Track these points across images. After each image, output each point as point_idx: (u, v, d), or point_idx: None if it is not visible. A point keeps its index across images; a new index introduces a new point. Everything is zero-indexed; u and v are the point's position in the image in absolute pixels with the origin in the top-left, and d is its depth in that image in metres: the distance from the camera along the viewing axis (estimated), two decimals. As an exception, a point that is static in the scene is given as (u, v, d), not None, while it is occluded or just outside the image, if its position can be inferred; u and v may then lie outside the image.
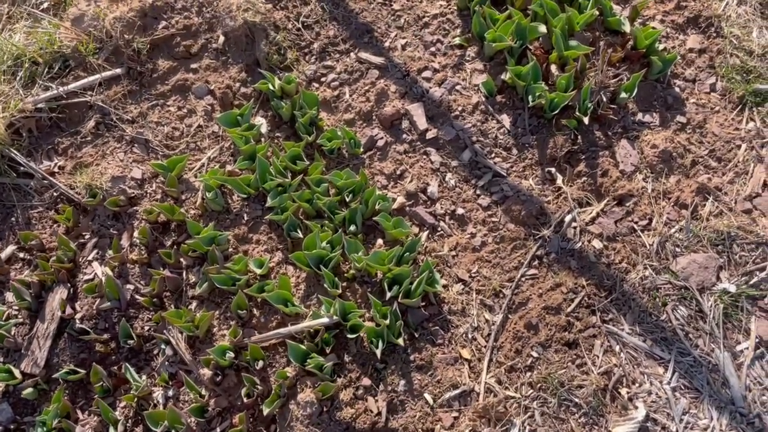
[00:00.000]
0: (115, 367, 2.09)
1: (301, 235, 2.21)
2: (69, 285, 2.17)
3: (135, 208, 2.35)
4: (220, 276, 2.11)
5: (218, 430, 1.96)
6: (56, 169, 2.40)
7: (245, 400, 1.93)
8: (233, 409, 1.99)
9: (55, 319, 2.07)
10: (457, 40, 2.63)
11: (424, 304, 2.13)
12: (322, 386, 1.90)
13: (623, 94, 2.37)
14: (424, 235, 2.27)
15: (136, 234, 2.23)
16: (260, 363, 1.99)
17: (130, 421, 2.00)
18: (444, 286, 2.16)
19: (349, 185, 2.29)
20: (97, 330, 2.12)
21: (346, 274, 2.18)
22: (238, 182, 2.28)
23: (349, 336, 2.02)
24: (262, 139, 2.49)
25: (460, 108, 2.49)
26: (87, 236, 2.31)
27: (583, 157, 2.35)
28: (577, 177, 2.31)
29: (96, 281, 2.15)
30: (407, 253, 2.14)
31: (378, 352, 1.95)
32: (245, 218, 2.33)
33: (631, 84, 2.34)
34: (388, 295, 2.05)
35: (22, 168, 2.38)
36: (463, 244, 2.25)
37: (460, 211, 2.32)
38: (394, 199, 2.34)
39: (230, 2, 2.67)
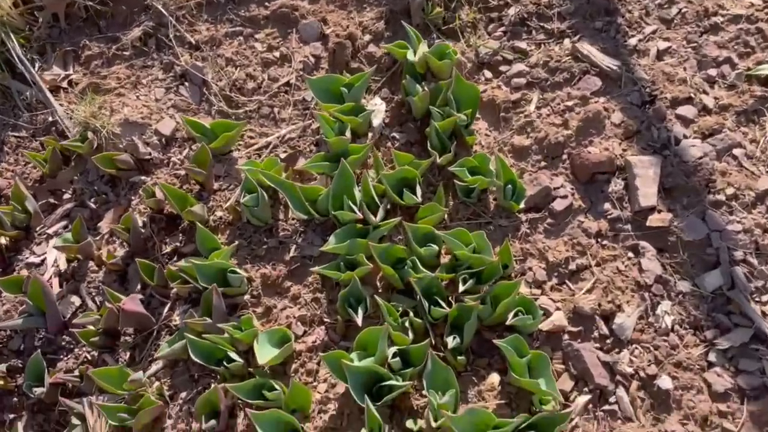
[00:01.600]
0: (8, 416, 1.63)
1: (359, 320, 1.56)
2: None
3: (144, 178, 1.88)
4: (202, 343, 1.54)
5: None
6: (65, 84, 2.02)
7: None
8: None
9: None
10: (764, 70, 1.79)
11: None
12: None
13: None
14: (581, 402, 1.49)
15: (118, 225, 1.75)
16: None
17: None
18: None
19: (476, 262, 1.58)
20: (4, 351, 1.68)
21: (417, 416, 1.49)
22: (298, 192, 1.69)
23: None
24: (369, 134, 1.88)
25: (730, 191, 1.65)
26: (65, 197, 1.89)
27: None
28: None
29: (30, 275, 1.70)
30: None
31: None
32: (291, 252, 1.74)
33: None
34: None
35: (19, 69, 2.03)
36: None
37: (666, 382, 1.50)
38: (546, 314, 1.59)
39: None
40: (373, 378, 1.48)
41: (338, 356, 1.48)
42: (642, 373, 1.54)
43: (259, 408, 1.47)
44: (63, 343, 1.67)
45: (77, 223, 1.71)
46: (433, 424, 1.40)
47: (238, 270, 1.62)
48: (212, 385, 1.47)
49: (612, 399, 1.54)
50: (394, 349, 1.51)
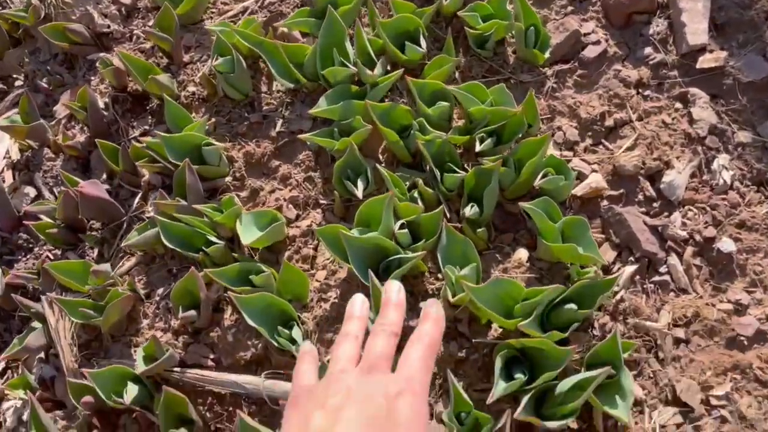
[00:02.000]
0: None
1: (359, 192, 1.32)
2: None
3: (103, 55, 1.61)
4: (176, 226, 1.30)
5: None
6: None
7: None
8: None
9: None
10: None
11: None
12: None
13: None
14: (627, 272, 1.26)
15: (74, 102, 1.49)
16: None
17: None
18: None
19: (495, 117, 1.33)
20: (-48, 250, 1.47)
21: (430, 297, 1.26)
22: (281, 54, 1.42)
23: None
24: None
25: (798, 20, 1.38)
26: (16, 83, 1.64)
27: None
28: None
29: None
30: (582, 307, 1.15)
31: None
32: (277, 127, 1.49)
33: None
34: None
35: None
36: (713, 324, 1.21)
37: (727, 245, 1.26)
38: (581, 177, 1.35)
39: None
40: (379, 253, 1.24)
41: (335, 230, 1.25)
42: (698, 237, 1.30)
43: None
44: (20, 242, 1.44)
45: (24, 100, 1.46)
46: (451, 300, 1.17)
47: (214, 142, 1.38)
48: (186, 274, 1.24)
49: (663, 269, 1.30)
50: (397, 225, 1.28)
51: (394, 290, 0.91)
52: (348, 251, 1.20)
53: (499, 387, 1.10)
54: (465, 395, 1.09)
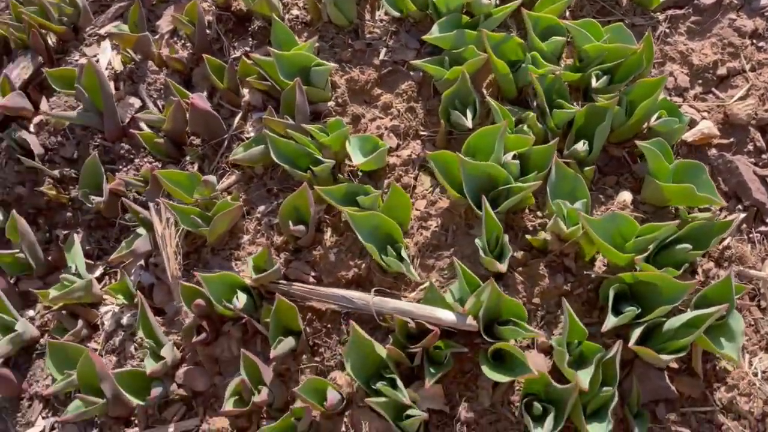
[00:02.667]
0: (61, 232, 1.45)
1: (468, 122, 1.32)
2: (45, 60, 1.53)
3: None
4: (285, 143, 1.31)
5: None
6: None
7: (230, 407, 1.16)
8: (200, 397, 1.26)
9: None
10: None
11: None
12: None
13: None
14: (740, 218, 1.25)
15: (182, 15, 1.49)
16: (285, 343, 1.18)
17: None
18: None
19: (612, 54, 1.31)
20: (56, 159, 1.48)
21: (529, 236, 1.26)
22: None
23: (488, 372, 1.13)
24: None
25: None
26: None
27: None
28: None
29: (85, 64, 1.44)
30: (696, 248, 1.15)
31: None
32: (381, 56, 1.49)
33: None
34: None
35: None
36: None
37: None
38: (690, 123, 1.33)
39: None
40: (489, 183, 1.24)
41: (446, 156, 1.25)
42: (809, 190, 1.29)
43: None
44: (122, 152, 1.46)
45: (134, 10, 1.46)
46: (565, 230, 1.17)
47: (325, 63, 1.37)
48: (298, 189, 1.25)
49: (770, 218, 1.30)
50: (510, 155, 1.27)
51: None
52: (463, 176, 1.21)
53: (612, 318, 1.11)
54: (581, 323, 1.10)
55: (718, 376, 1.19)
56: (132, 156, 1.47)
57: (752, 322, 1.24)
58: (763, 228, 1.29)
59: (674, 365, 1.20)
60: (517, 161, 1.26)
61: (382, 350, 1.15)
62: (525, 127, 1.32)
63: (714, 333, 1.14)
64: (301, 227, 1.25)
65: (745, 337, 1.22)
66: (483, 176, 1.24)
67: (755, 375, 1.18)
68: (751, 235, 1.29)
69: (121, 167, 1.46)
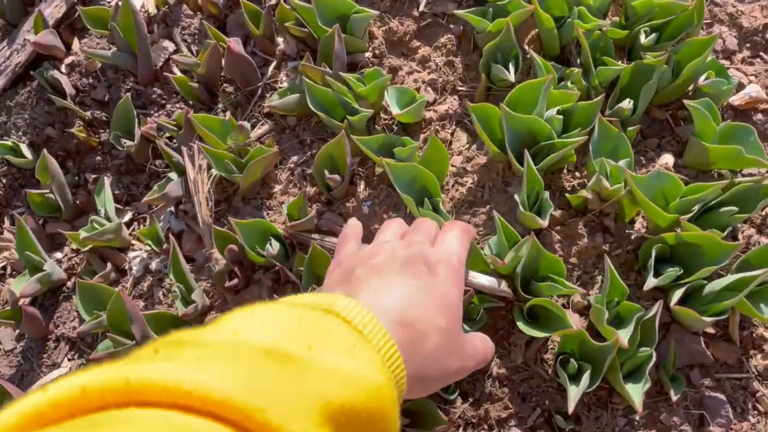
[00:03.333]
0: (90, 176, 1.43)
1: (511, 76, 1.29)
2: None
3: None
4: (322, 91, 1.28)
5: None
6: None
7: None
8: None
9: (26, 51, 1.42)
10: None
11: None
12: None
13: None
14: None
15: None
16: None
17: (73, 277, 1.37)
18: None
19: (663, 12, 1.27)
20: (87, 101, 1.46)
21: (569, 194, 1.24)
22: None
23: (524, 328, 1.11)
24: None
25: None
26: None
27: None
28: None
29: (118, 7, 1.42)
30: (741, 212, 1.12)
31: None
32: (420, 6, 1.45)
33: None
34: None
35: None
36: None
37: None
38: (739, 87, 1.30)
39: None
40: (531, 138, 1.22)
41: (488, 108, 1.22)
42: None
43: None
44: (154, 96, 1.43)
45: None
46: (608, 187, 1.15)
47: (365, 9, 1.34)
48: (336, 137, 1.22)
49: (816, 187, 1.27)
50: (553, 110, 1.24)
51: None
52: (505, 130, 1.18)
53: (652, 279, 1.09)
54: (621, 281, 1.08)
55: (755, 343, 1.18)
56: (164, 101, 1.44)
57: (792, 290, 1.21)
58: (808, 195, 1.26)
59: (710, 331, 1.18)
60: (561, 117, 1.23)
61: (417, 302, 1.13)
62: (569, 84, 1.29)
63: (755, 298, 1.12)
64: (336, 177, 1.23)
65: (784, 305, 1.20)
66: (525, 131, 1.21)
67: (794, 343, 1.16)
68: (795, 203, 1.26)
69: (152, 112, 1.44)
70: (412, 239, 0.83)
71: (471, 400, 1.15)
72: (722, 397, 1.13)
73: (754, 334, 1.18)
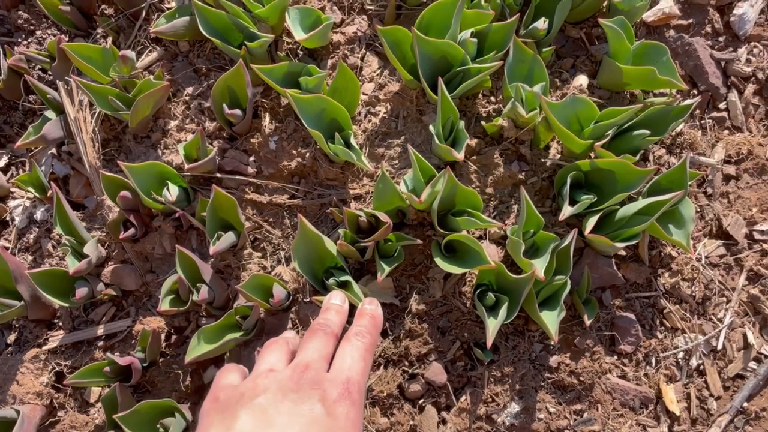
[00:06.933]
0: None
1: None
2: None
3: None
4: (215, 13, 1.14)
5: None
6: None
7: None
8: (131, 296, 1.16)
9: None
10: None
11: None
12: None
13: None
14: (696, 102, 1.22)
15: None
16: (225, 239, 1.09)
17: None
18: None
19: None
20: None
21: (484, 123, 1.19)
22: None
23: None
24: None
25: None
26: None
27: None
28: None
29: None
30: (654, 134, 1.12)
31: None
32: None
33: None
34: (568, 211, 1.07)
35: None
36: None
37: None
38: (651, 3, 1.27)
39: None
40: (445, 63, 1.15)
41: (399, 32, 1.13)
42: (760, 75, 1.27)
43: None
44: (20, 22, 1.24)
45: None
46: (524, 115, 1.11)
47: None
48: (233, 67, 1.11)
49: (722, 105, 1.28)
50: (468, 31, 1.17)
51: (338, 298, 0.87)
52: (417, 56, 1.10)
53: (568, 208, 1.08)
54: (537, 212, 1.06)
55: (663, 262, 1.21)
56: (32, 27, 1.26)
57: (698, 209, 1.24)
58: (714, 114, 1.27)
59: (621, 253, 1.20)
60: (475, 40, 1.16)
61: (332, 245, 1.08)
62: (482, 2, 1.21)
63: (664, 220, 1.14)
64: (238, 111, 1.12)
65: (691, 224, 1.23)
66: (438, 56, 1.13)
67: (699, 260, 1.20)
68: (702, 122, 1.27)
69: (19, 40, 1.25)
70: (304, 361, 0.68)
71: (391, 337, 1.14)
72: (632, 316, 1.16)
73: (662, 254, 1.21)
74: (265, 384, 0.65)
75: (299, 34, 1.16)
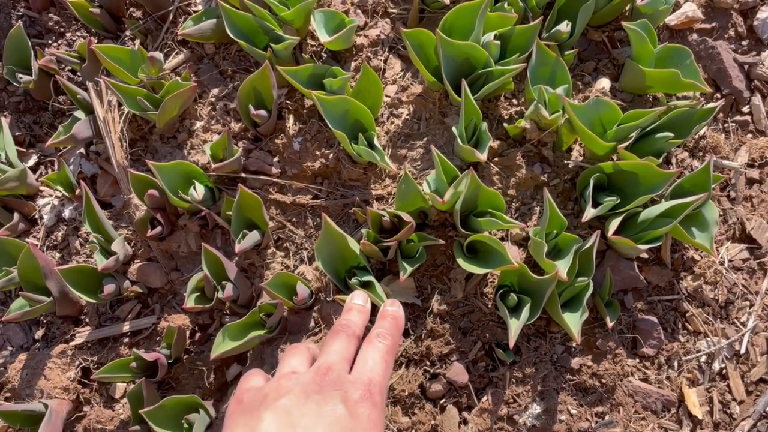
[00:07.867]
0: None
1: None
2: None
3: None
4: (242, 16, 1.16)
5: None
6: None
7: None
8: (156, 294, 1.18)
9: None
10: None
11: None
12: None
13: None
14: (720, 105, 1.22)
15: None
16: (250, 237, 1.10)
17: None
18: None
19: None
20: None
21: (506, 125, 1.20)
22: None
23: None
24: None
25: None
26: None
27: None
28: None
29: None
30: (677, 137, 1.12)
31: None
32: None
33: None
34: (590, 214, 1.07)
35: None
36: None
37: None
38: (675, 6, 1.27)
39: None
40: (468, 66, 1.16)
41: (423, 34, 1.14)
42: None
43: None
44: (50, 24, 1.27)
45: None
46: (547, 116, 1.11)
47: None
48: (259, 69, 1.12)
49: (746, 108, 1.28)
50: (490, 35, 1.18)
51: (360, 298, 0.89)
52: (441, 58, 1.11)
53: (591, 210, 1.08)
54: (560, 213, 1.06)
55: (686, 265, 1.20)
56: (62, 29, 1.28)
57: (721, 212, 1.24)
58: (738, 117, 1.27)
59: (644, 255, 1.20)
60: (498, 42, 1.16)
61: (355, 245, 1.09)
62: (506, 5, 1.22)
63: (687, 223, 1.13)
64: (263, 112, 1.14)
65: (714, 228, 1.23)
66: (462, 58, 1.14)
67: (722, 264, 1.20)
68: (725, 125, 1.27)
69: (50, 42, 1.28)
70: (327, 363, 0.70)
71: (413, 336, 1.14)
72: (654, 319, 1.16)
73: (684, 257, 1.20)
74: (288, 385, 0.66)
75: (324, 37, 1.17)
